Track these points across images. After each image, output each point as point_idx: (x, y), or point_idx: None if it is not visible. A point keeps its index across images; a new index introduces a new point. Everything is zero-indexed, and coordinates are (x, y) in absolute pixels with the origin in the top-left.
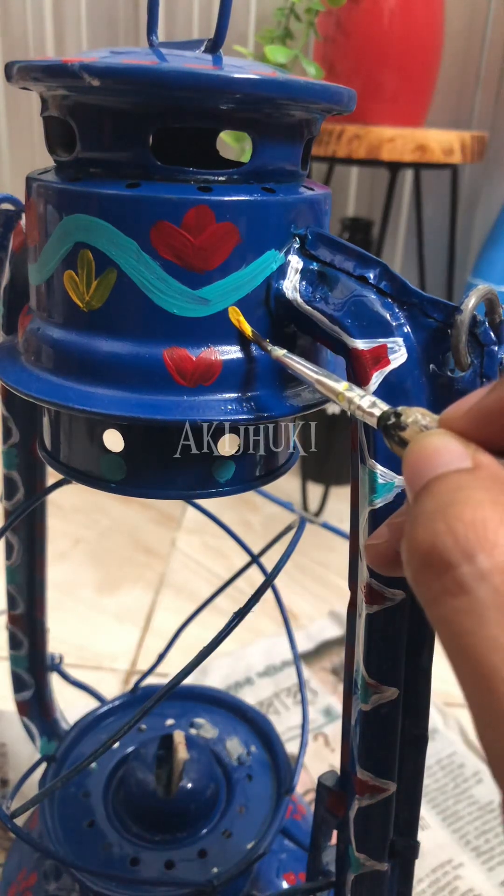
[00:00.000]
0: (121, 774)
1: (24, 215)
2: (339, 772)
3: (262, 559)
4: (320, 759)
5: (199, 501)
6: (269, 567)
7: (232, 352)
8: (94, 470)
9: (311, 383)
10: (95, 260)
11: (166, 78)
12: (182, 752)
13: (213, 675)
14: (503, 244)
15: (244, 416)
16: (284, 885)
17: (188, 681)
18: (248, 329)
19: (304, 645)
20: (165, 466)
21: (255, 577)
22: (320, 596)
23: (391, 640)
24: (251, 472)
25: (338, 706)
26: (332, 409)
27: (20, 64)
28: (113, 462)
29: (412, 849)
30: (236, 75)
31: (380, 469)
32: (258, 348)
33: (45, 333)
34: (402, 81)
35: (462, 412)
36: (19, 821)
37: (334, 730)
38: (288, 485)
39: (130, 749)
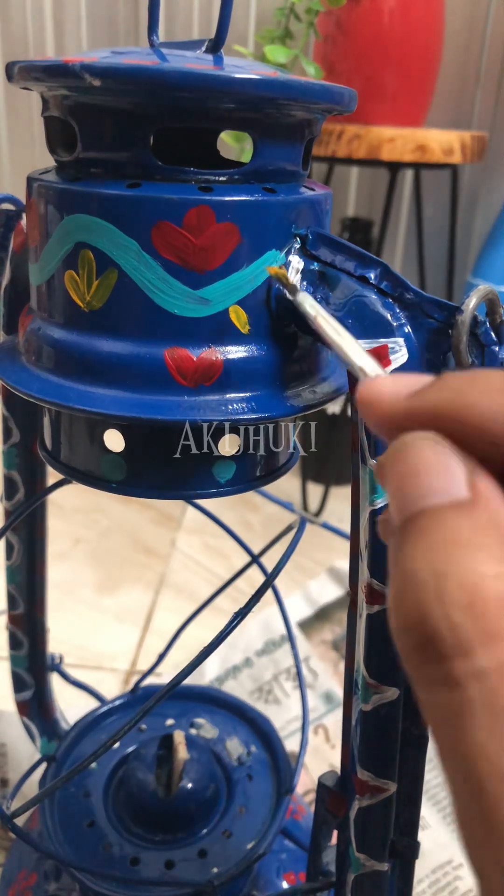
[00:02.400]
0: (121, 774)
1: (24, 215)
2: (339, 772)
3: (263, 559)
4: (320, 757)
5: (200, 501)
6: (269, 567)
7: (233, 352)
8: (95, 470)
9: (334, 350)
10: (96, 260)
11: (167, 78)
12: (182, 752)
13: (210, 661)
14: (503, 244)
15: (245, 416)
16: (284, 885)
17: (188, 681)
18: (285, 276)
19: (303, 611)
20: (165, 466)
21: (255, 577)
22: None
23: (392, 639)
24: (251, 473)
25: (338, 691)
26: (332, 408)
27: (21, 64)
28: (113, 462)
29: (413, 849)
30: (237, 75)
31: None
32: (258, 348)
33: (46, 333)
34: (402, 81)
35: (379, 401)
36: (19, 821)
37: (335, 720)
38: (288, 485)
39: (130, 749)
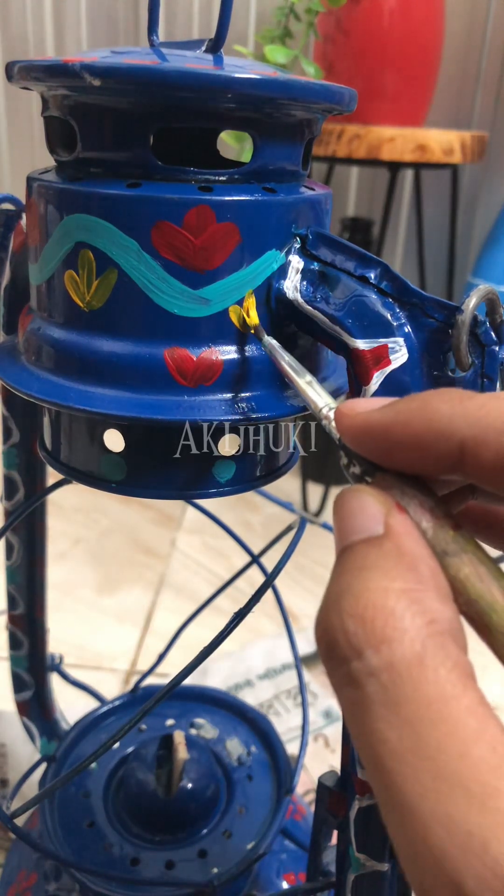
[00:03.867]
0: (121, 774)
1: (24, 215)
2: (339, 772)
3: (263, 559)
4: (320, 759)
5: (200, 501)
6: (269, 567)
7: (233, 352)
8: (95, 470)
9: (294, 386)
10: (96, 260)
11: (167, 78)
12: (182, 753)
13: (213, 677)
14: (503, 244)
15: (245, 416)
16: (284, 885)
17: (188, 681)
18: (254, 319)
19: (304, 648)
20: (165, 466)
21: (255, 577)
22: (320, 596)
23: None
24: (251, 472)
25: (338, 708)
26: None
27: (21, 64)
28: (113, 462)
29: None
30: (237, 75)
31: None
32: (258, 348)
33: (46, 333)
34: (402, 81)
35: (354, 414)
36: (19, 821)
37: (334, 731)
38: (288, 485)
39: (130, 749)
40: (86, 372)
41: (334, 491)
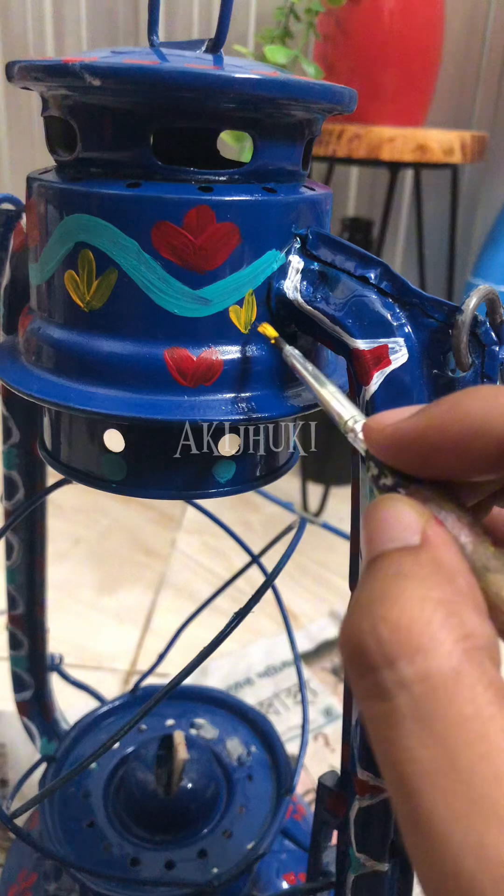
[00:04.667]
0: (121, 774)
1: (24, 215)
2: (339, 772)
3: (263, 559)
4: (320, 759)
5: (200, 501)
6: (269, 567)
7: (232, 352)
8: (95, 470)
9: (317, 397)
10: (96, 260)
11: (167, 78)
12: (182, 753)
13: (213, 676)
14: (503, 244)
15: (245, 417)
16: (284, 885)
17: (188, 681)
18: (273, 332)
19: (304, 645)
20: (166, 466)
21: (255, 577)
22: (320, 596)
23: None
24: (251, 473)
25: (338, 706)
26: None
27: (21, 63)
28: (113, 462)
29: None
30: (237, 75)
31: None
32: (258, 348)
33: (46, 333)
34: (402, 81)
35: (383, 427)
36: (19, 821)
37: (334, 730)
38: (288, 485)
39: (130, 749)
40: (86, 372)
41: (334, 491)
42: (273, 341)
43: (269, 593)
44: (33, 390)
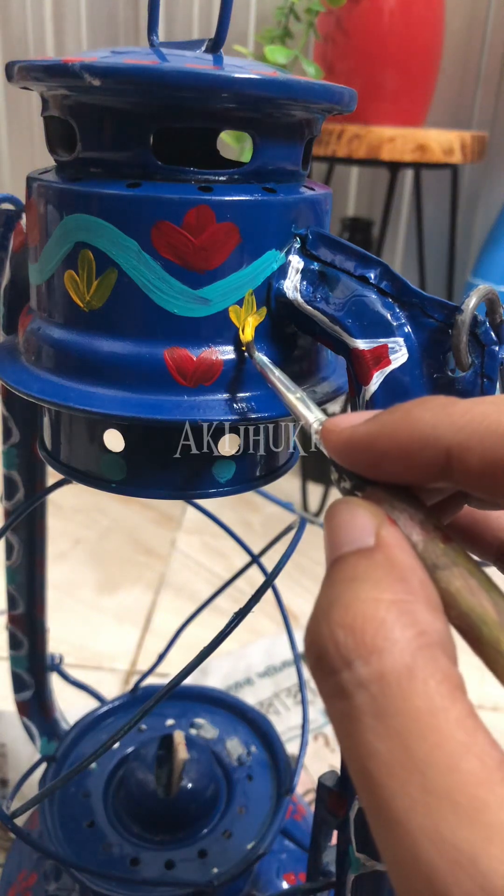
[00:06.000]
0: (121, 775)
1: (24, 215)
2: (339, 772)
3: (263, 559)
4: (320, 759)
5: (199, 501)
6: (269, 567)
7: (233, 352)
8: (95, 470)
9: (284, 402)
10: (96, 260)
11: (167, 78)
12: (182, 753)
13: (213, 676)
14: (503, 244)
15: (245, 416)
16: (284, 885)
17: (188, 681)
18: (248, 336)
19: (303, 646)
20: (165, 466)
21: (255, 578)
22: None
23: None
24: (252, 472)
25: None
26: (332, 409)
27: (21, 64)
28: (113, 462)
29: None
30: (237, 75)
31: None
32: (258, 348)
33: (46, 333)
34: (402, 81)
35: (340, 430)
36: (19, 821)
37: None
38: (288, 485)
39: (130, 749)
40: (86, 372)
41: (334, 491)
42: (244, 348)
43: (269, 593)
44: (33, 390)
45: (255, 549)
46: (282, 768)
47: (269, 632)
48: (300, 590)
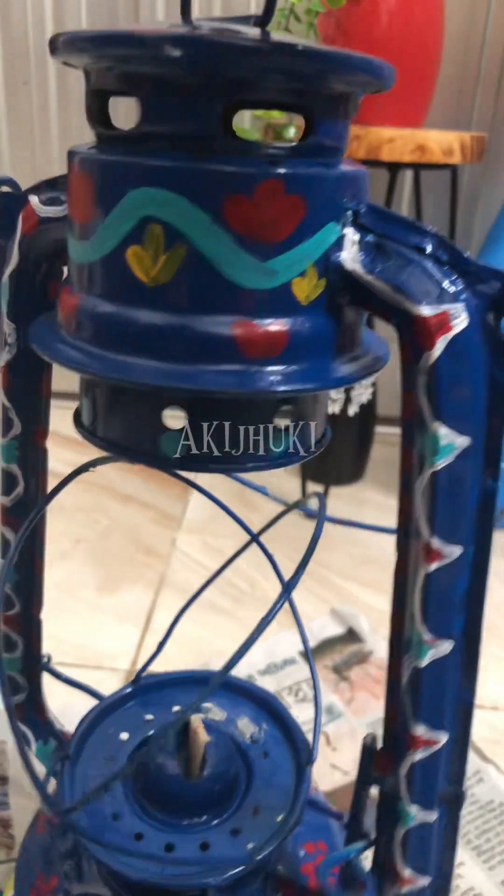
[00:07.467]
0: (141, 764)
1: (31, 198)
2: (375, 735)
3: (263, 550)
4: (321, 757)
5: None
6: (269, 547)
7: (296, 323)
8: (150, 448)
9: None
10: (165, 234)
11: (256, 52)
12: (203, 735)
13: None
14: (503, 244)
15: (310, 386)
16: (304, 854)
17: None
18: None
19: (311, 643)
20: (224, 441)
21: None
22: (320, 596)
23: (448, 594)
24: (304, 444)
25: (339, 704)
26: (332, 409)
27: (83, 35)
28: (173, 439)
29: (459, 796)
30: (347, 53)
31: (443, 430)
32: (318, 319)
33: (102, 310)
34: (401, 82)
35: None
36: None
37: (335, 728)
38: (288, 484)
39: (140, 739)
40: (149, 347)
41: (334, 491)
42: None
43: (269, 593)
44: (95, 368)
45: (255, 551)
46: (297, 740)
47: (271, 630)
48: (300, 589)
